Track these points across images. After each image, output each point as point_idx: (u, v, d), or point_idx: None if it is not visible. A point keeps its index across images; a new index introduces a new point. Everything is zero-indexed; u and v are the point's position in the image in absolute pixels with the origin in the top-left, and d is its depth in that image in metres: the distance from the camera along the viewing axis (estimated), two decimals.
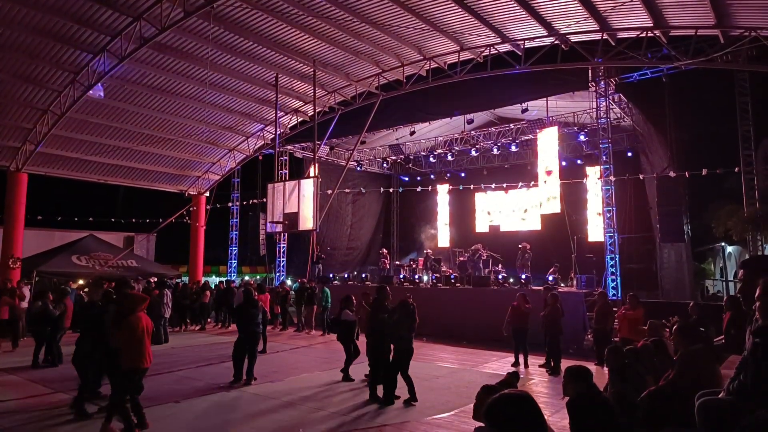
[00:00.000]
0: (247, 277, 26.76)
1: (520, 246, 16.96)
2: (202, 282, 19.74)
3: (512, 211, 22.44)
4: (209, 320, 17.58)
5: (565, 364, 9.67)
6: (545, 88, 15.35)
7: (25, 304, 14.04)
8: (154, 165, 20.28)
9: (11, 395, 8.08)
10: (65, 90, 14.62)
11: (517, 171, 21.28)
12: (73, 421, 6.70)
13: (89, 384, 7.11)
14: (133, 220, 22.83)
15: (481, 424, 3.10)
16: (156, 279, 16.99)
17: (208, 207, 23.00)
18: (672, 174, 14.70)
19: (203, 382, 9.04)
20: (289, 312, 17.65)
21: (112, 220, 22.90)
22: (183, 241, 23.48)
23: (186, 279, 21.53)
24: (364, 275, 19.60)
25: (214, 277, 26.23)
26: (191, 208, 22.36)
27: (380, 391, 7.73)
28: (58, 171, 18.56)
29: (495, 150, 20.99)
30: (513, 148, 20.58)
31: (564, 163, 18.36)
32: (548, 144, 17.13)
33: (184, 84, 15.80)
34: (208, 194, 22.91)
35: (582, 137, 18.29)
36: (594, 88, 15.46)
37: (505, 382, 3.67)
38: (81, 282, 16.19)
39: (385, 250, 21.55)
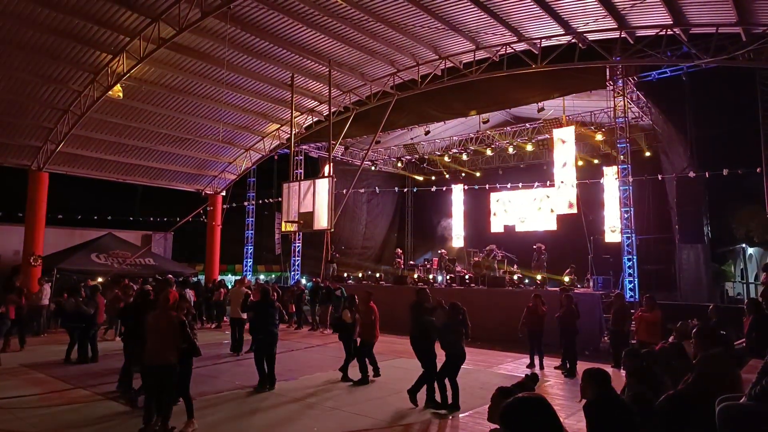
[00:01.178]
0: (262, 276, 26.96)
1: (535, 246, 16.84)
2: (218, 280, 19.90)
3: (527, 211, 22.27)
4: (225, 318, 17.70)
5: (581, 366, 9.60)
6: (562, 87, 15.19)
7: (45, 301, 14.30)
8: (172, 164, 20.53)
9: (33, 390, 8.25)
10: (85, 90, 14.87)
11: (533, 171, 21.13)
12: (90, 418, 6.81)
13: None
14: (151, 219, 23.16)
15: (496, 426, 3.08)
16: (171, 276, 17.18)
17: (225, 206, 23.22)
18: (692, 174, 14.48)
19: (219, 380, 9.14)
20: (304, 311, 17.72)
21: (131, 218, 23.25)
22: (200, 239, 23.74)
23: (203, 277, 21.74)
24: (378, 275, 19.61)
25: (230, 275, 26.45)
26: (208, 208, 22.59)
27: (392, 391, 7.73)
28: (78, 170, 18.88)
29: (510, 149, 20.85)
30: (529, 148, 20.43)
31: (580, 163, 18.17)
32: (564, 143, 16.97)
33: (201, 84, 15.97)
34: (224, 194, 23.13)
35: (599, 137, 18.08)
36: (612, 87, 15.26)
37: (521, 384, 3.64)
38: (100, 279, 16.45)
39: (399, 250, 21.54)
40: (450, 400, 7.35)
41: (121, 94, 14.31)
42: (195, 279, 19.48)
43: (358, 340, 9.43)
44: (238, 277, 22.03)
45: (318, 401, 7.90)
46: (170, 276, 15.74)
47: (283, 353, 12.12)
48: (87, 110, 15.11)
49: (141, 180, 21.08)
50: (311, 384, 9.05)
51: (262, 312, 8.89)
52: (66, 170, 18.44)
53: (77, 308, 10.73)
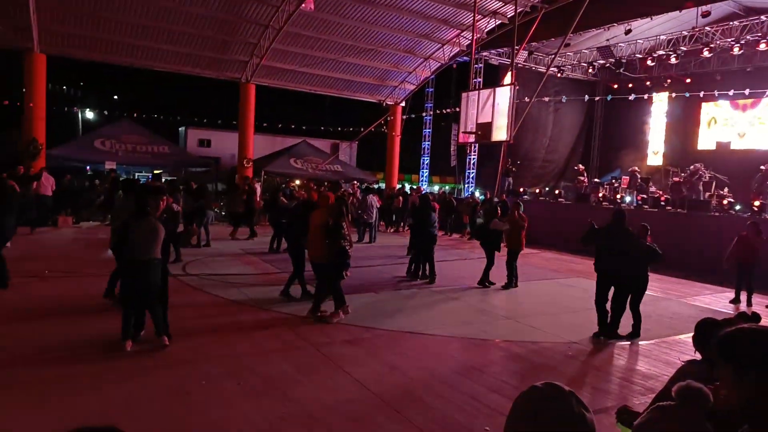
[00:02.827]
0: (437, 187, 27.65)
1: (763, 167, 14.13)
2: (398, 188, 20.93)
3: (751, 124, 18.63)
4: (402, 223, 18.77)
5: None
6: None
7: (257, 198, 16.64)
8: (356, 75, 21.40)
9: (251, 271, 9.91)
10: (282, 5, 15.95)
11: (763, 75, 17.34)
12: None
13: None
14: (339, 129, 24.90)
15: (692, 357, 2.79)
16: (357, 183, 18.58)
17: (404, 117, 23.78)
18: None
19: (396, 277, 9.90)
20: (478, 223, 17.85)
21: (321, 128, 25.31)
22: (380, 149, 24.97)
23: (383, 185, 23.10)
24: (558, 191, 18.63)
25: (406, 185, 27.68)
26: (388, 118, 23.36)
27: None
28: (278, 82, 20.80)
29: (736, 50, 17.19)
30: (762, 47, 16.59)
31: None
32: None
33: None
34: (403, 104, 23.59)
35: None
36: None
37: (730, 321, 3.18)
38: (297, 182, 18.53)
39: (581, 165, 19.97)
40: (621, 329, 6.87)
41: (312, 6, 15.02)
42: (377, 186, 20.77)
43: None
44: (414, 186, 23.00)
45: (489, 308, 8.08)
46: (341, 181, 17.02)
47: (455, 261, 12.57)
48: (284, 24, 16.30)
49: (329, 91, 22.47)
50: (482, 292, 9.26)
51: (421, 215, 9.93)
52: (268, 82, 20.45)
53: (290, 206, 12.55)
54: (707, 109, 19.89)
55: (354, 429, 3.96)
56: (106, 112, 24.01)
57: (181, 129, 28.01)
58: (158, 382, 4.61)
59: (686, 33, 17.85)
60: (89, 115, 28.70)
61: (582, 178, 18.67)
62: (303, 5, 14.90)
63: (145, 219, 5.28)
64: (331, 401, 4.42)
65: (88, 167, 18.67)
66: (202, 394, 4.41)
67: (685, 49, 18.22)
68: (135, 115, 20.73)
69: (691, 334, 2.79)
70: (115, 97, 36.45)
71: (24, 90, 16.10)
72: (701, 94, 17.84)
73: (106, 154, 17.85)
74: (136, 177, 16.47)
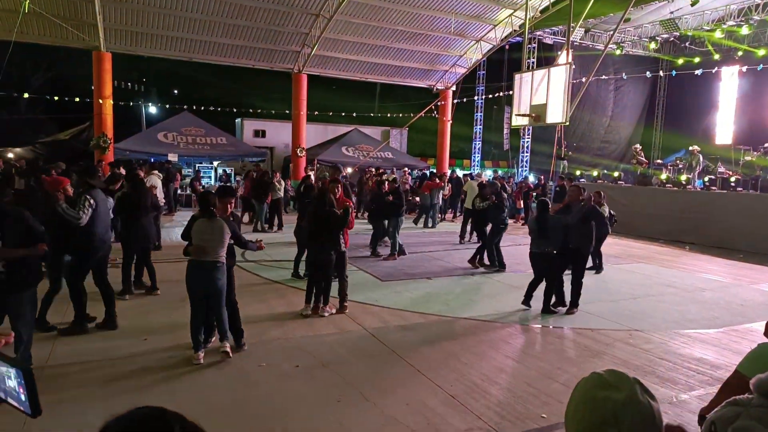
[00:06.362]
0: (489, 172, 27.16)
1: None
2: (448, 174, 20.73)
3: None
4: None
5: None
6: None
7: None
8: (406, 61, 21.22)
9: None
10: None
11: None
12: None
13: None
14: (389, 115, 24.87)
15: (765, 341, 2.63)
16: (407, 169, 18.50)
17: (454, 101, 23.42)
18: None
19: (450, 264, 9.85)
20: (532, 208, 17.46)
21: (371, 115, 25.35)
22: (431, 135, 24.75)
23: (433, 171, 22.94)
24: (617, 174, 17.89)
25: (458, 170, 27.35)
26: (439, 103, 23.08)
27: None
28: (329, 71, 20.94)
29: None
30: None
31: None
32: None
33: None
34: (454, 88, 23.22)
35: None
36: None
37: None
38: (349, 170, 18.68)
39: (638, 146, 18.99)
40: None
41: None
42: (425, 173, 20.64)
43: None
44: (467, 172, 22.71)
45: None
46: (340, 167, 16.86)
47: (507, 246, 12.36)
48: (335, 12, 16.36)
49: (379, 78, 22.41)
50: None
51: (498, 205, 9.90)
52: (319, 71, 20.64)
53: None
54: None
55: (409, 413, 4.01)
56: (167, 106, 25.03)
57: (238, 120, 28.81)
58: (220, 362, 4.83)
59: (759, 1, 16.57)
60: (152, 109, 30.02)
61: (639, 157, 17.77)
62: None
63: (210, 219, 4.78)
64: (385, 386, 4.49)
65: (152, 159, 19.57)
66: (262, 375, 4.59)
67: (758, 18, 16.93)
68: (194, 107, 21.49)
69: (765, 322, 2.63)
70: (176, 91, 37.91)
71: (93, 87, 17.04)
72: None
73: (168, 146, 18.66)
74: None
